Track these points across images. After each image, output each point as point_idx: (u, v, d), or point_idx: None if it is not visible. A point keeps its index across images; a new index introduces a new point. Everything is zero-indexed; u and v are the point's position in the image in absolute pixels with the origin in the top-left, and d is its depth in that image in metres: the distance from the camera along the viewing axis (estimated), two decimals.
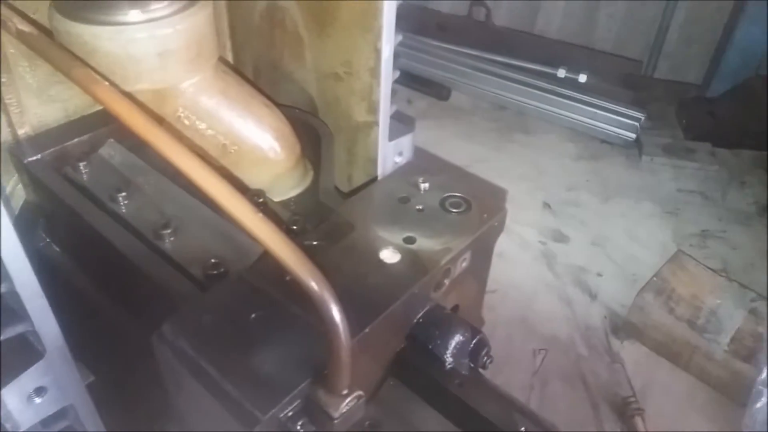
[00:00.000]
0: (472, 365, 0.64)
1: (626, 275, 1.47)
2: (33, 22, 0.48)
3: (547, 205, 1.71)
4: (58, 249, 0.71)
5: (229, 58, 0.88)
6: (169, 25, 0.53)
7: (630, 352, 1.30)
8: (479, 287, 0.69)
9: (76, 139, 0.70)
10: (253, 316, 0.52)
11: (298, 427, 0.47)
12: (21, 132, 0.69)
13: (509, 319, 1.35)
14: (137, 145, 0.64)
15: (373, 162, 0.73)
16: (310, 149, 0.76)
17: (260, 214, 0.42)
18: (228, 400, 0.46)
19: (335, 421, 0.45)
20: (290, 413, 0.47)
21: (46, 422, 0.56)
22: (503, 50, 2.16)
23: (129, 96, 0.60)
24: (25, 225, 0.72)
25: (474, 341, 0.63)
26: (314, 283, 0.40)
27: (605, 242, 1.59)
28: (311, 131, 0.76)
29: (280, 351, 0.49)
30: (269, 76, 0.84)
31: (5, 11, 0.48)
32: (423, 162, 0.75)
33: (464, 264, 0.61)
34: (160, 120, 0.61)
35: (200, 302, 0.54)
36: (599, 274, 1.48)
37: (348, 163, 0.79)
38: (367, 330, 0.51)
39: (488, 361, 0.66)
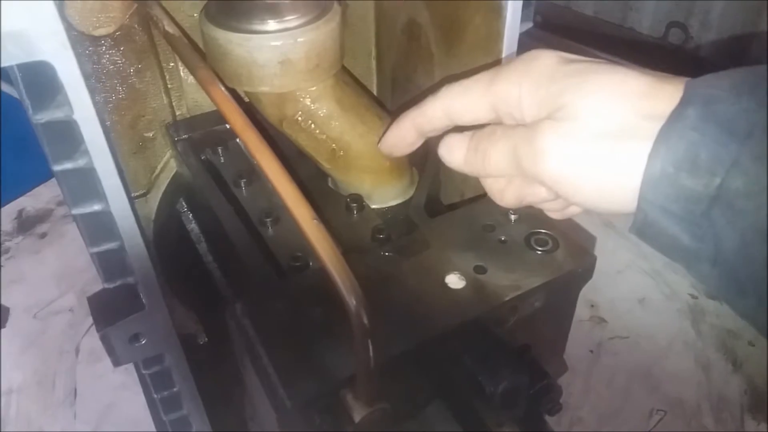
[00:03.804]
0: (533, 408, 0.62)
1: None
2: (176, 23, 0.56)
3: None
4: (191, 217, 0.82)
5: (373, 65, 0.93)
6: (290, 37, 0.58)
7: None
8: (558, 331, 0.67)
9: (220, 126, 0.79)
10: (317, 311, 0.56)
11: (321, 422, 0.50)
12: (178, 113, 0.80)
13: (633, 370, 1.26)
14: (269, 138, 0.71)
15: None
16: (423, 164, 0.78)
17: (316, 221, 0.46)
18: (268, 382, 0.51)
19: (355, 425, 0.48)
20: (318, 407, 0.50)
21: (144, 364, 0.66)
22: None
23: (254, 96, 0.67)
24: (171, 193, 0.84)
25: (538, 385, 0.62)
26: (348, 292, 0.43)
27: None
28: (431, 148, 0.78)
29: (332, 348, 0.52)
30: (404, 87, 0.88)
31: (159, 12, 0.57)
32: None
33: (536, 305, 0.59)
34: (281, 119, 0.68)
35: (274, 289, 0.59)
36: (751, 344, 1.31)
37: (462, 180, 0.80)
38: (409, 347, 0.52)
39: (554, 407, 0.64)
